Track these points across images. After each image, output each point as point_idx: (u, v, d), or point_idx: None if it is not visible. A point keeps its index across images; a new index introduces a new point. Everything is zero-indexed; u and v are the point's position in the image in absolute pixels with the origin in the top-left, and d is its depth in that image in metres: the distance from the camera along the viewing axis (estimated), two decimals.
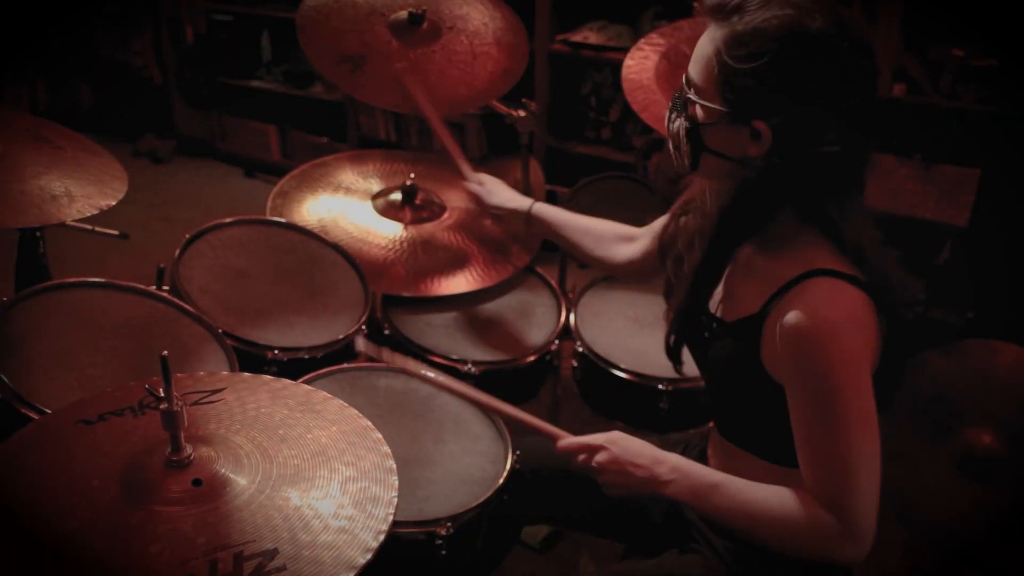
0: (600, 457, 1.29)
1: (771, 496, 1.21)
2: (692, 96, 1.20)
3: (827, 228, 1.19)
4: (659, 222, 1.59)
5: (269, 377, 1.22)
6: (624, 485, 1.29)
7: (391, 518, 0.97)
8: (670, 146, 1.28)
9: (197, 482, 0.98)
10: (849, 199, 1.20)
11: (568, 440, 1.35)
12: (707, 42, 1.17)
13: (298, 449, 1.05)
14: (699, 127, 1.21)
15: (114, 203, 1.60)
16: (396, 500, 0.99)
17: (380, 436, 1.10)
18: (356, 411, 1.15)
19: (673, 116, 1.25)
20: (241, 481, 1.00)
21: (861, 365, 1.15)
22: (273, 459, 1.03)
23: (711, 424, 1.46)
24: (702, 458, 1.47)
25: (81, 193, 1.57)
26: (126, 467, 1.01)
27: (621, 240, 1.70)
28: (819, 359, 1.13)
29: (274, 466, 1.02)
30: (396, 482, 1.02)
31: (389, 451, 1.08)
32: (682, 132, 1.23)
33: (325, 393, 1.18)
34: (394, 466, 1.05)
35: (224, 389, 1.17)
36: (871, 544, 1.16)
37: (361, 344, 1.66)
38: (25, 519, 0.96)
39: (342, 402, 1.16)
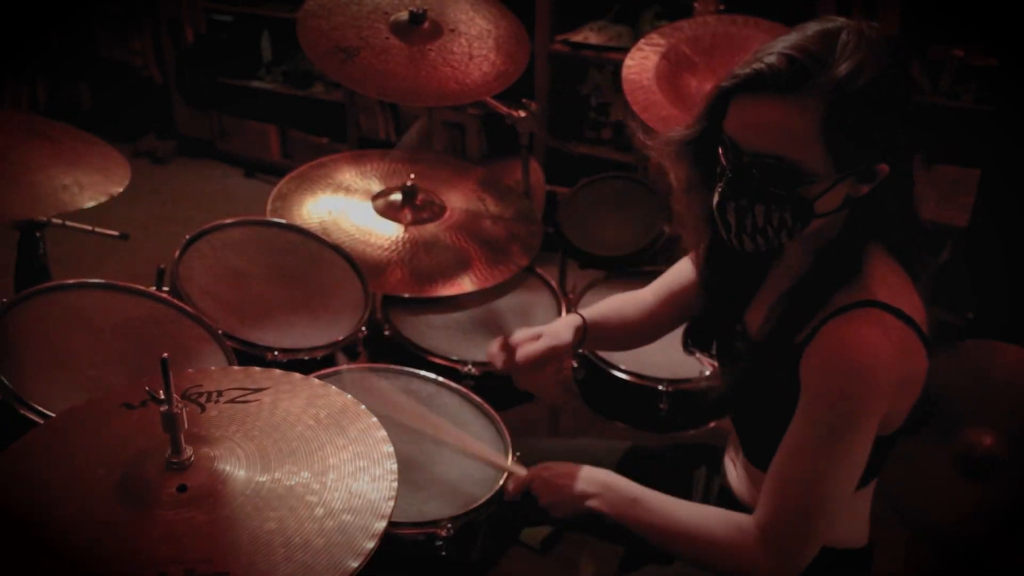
0: (534, 485, 1.35)
1: (692, 514, 1.23)
2: (792, 176, 1.08)
3: (909, 249, 1.17)
4: (672, 279, 1.52)
5: (317, 381, 1.19)
6: (559, 502, 1.32)
7: (356, 564, 0.93)
8: (750, 236, 1.14)
9: (182, 488, 0.97)
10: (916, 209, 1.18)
11: (512, 490, 1.39)
12: (794, 116, 1.04)
13: (300, 466, 1.03)
14: (811, 203, 1.10)
15: (121, 189, 1.63)
16: (370, 548, 0.94)
17: (394, 468, 1.05)
18: (384, 434, 1.10)
19: (754, 207, 1.11)
20: (228, 493, 0.98)
21: (881, 402, 1.11)
22: (271, 473, 1.01)
23: (713, 426, 1.45)
24: (711, 469, 1.47)
25: (88, 181, 1.59)
26: (132, 461, 1.02)
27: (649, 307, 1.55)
28: (845, 390, 1.09)
29: (268, 481, 1.00)
30: (380, 528, 0.97)
31: (394, 488, 1.03)
32: (782, 218, 1.11)
33: (363, 408, 1.15)
34: (389, 509, 1.00)
35: (266, 389, 1.15)
36: (796, 573, 1.16)
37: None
38: (29, 497, 0.98)
39: (376, 421, 1.12)
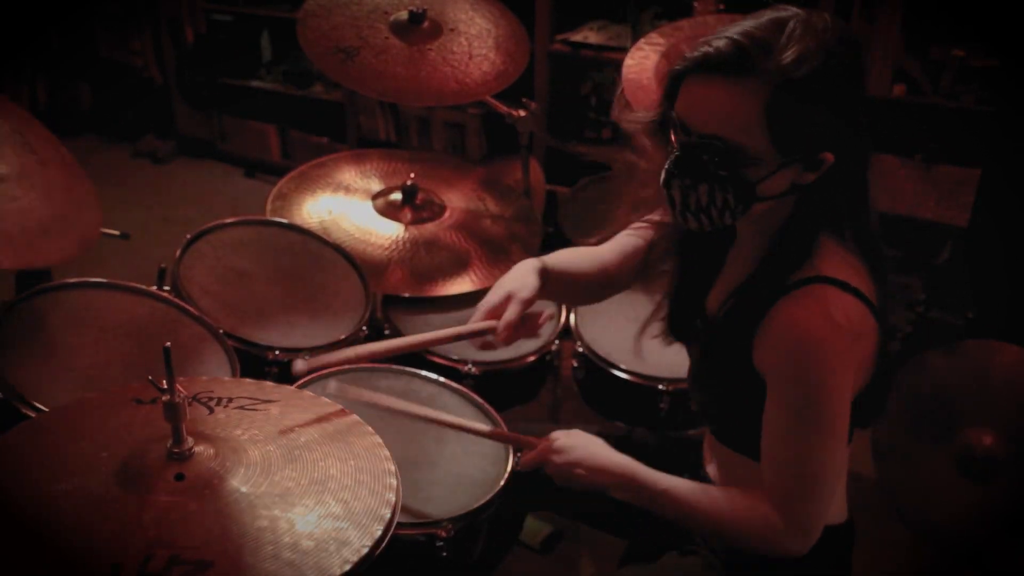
0: (549, 469, 1.34)
1: (715, 499, 1.25)
2: (735, 158, 1.10)
3: (858, 239, 1.19)
4: (623, 241, 1.51)
5: (327, 400, 1.19)
6: (575, 485, 1.33)
7: (348, 566, 0.92)
8: (694, 214, 1.16)
9: (180, 476, 0.98)
10: (869, 202, 1.21)
11: (525, 460, 1.37)
12: (738, 99, 1.07)
13: (300, 473, 1.03)
14: (754, 185, 1.12)
15: (93, 239, 1.57)
16: (365, 551, 0.94)
17: (395, 484, 1.04)
18: (388, 453, 1.10)
19: (698, 186, 1.13)
20: (224, 488, 0.98)
21: (845, 377, 1.15)
22: (271, 476, 1.01)
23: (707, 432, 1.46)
24: (696, 469, 1.48)
25: (58, 229, 1.52)
26: (135, 448, 1.02)
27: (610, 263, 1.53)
28: (807, 366, 1.13)
29: (266, 483, 1.00)
30: (379, 531, 0.96)
31: (392, 499, 1.02)
32: (725, 199, 1.13)
33: (369, 428, 1.14)
34: (386, 517, 0.99)
35: (276, 401, 1.16)
36: (815, 541, 1.20)
37: (300, 365, 1.38)
38: (31, 470, 1.00)
39: (379, 441, 1.11)
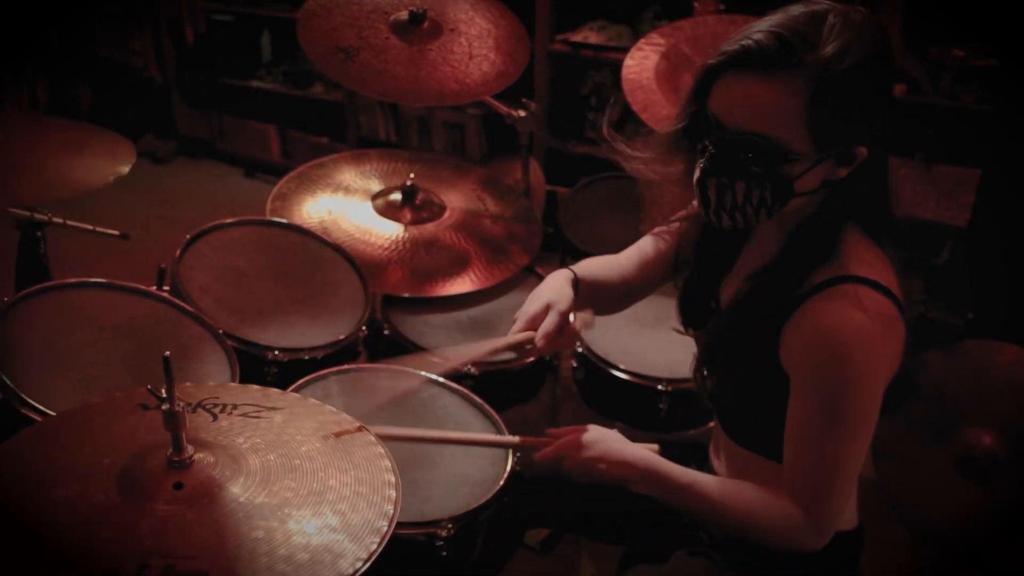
0: (568, 464, 1.31)
1: (737, 494, 1.24)
2: (774, 154, 1.08)
3: (883, 232, 1.19)
4: (643, 248, 1.52)
5: (331, 408, 1.18)
6: (597, 480, 1.30)
7: None
8: (729, 213, 1.15)
9: (179, 485, 0.97)
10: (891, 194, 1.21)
11: (542, 455, 1.34)
12: (780, 94, 1.05)
13: (299, 483, 1.02)
14: (792, 182, 1.11)
15: (126, 169, 1.74)
16: (360, 565, 0.92)
17: (393, 496, 1.03)
18: (389, 463, 1.08)
19: (735, 184, 1.12)
20: (222, 497, 0.98)
21: (878, 375, 1.14)
22: (269, 485, 1.01)
23: (712, 425, 1.46)
24: (703, 466, 1.47)
25: (95, 164, 1.71)
26: (137, 455, 1.02)
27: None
28: (840, 367, 1.11)
29: (264, 492, 1.00)
30: (373, 547, 0.95)
31: (390, 511, 1.01)
32: (762, 196, 1.12)
33: (373, 438, 1.13)
34: (383, 529, 0.98)
35: (280, 409, 1.15)
36: (831, 537, 1.20)
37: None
38: (33, 475, 1.00)
39: (383, 451, 1.10)
